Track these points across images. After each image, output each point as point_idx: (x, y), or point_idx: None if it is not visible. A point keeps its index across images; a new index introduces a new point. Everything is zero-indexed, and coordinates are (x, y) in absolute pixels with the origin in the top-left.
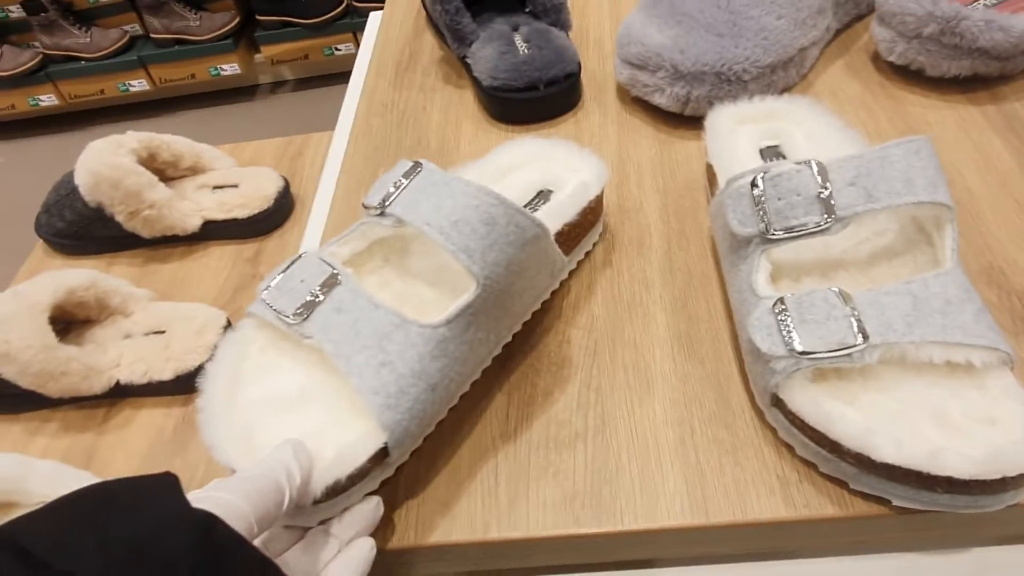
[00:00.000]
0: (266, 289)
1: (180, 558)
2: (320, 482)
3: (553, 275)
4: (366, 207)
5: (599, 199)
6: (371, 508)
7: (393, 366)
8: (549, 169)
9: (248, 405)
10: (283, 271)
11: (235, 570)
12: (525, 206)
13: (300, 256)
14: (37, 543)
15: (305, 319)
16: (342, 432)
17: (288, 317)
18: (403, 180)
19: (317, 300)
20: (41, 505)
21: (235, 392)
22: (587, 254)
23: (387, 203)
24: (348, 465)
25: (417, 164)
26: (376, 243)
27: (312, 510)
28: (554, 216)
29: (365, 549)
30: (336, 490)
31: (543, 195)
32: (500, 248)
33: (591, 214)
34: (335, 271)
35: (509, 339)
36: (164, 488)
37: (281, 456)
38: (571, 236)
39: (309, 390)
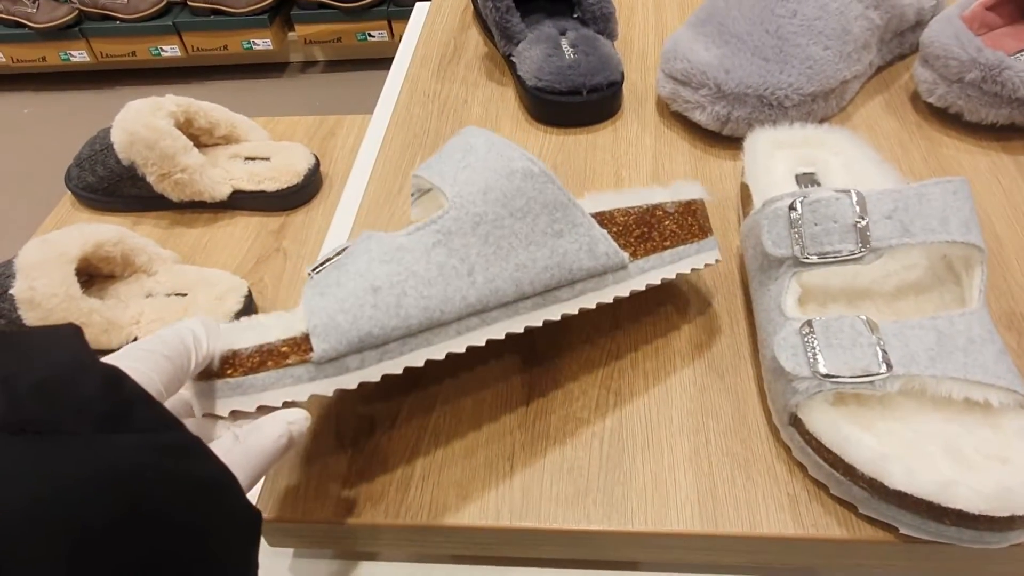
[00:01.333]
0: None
1: (87, 405)
2: (227, 343)
3: (596, 257)
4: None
5: (685, 212)
6: (274, 428)
7: (344, 267)
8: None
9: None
10: None
11: (142, 424)
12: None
13: None
14: None
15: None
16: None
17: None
18: None
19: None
20: None
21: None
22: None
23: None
24: (257, 336)
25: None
26: None
27: (222, 387)
28: (610, 197)
29: (269, 437)
30: (241, 360)
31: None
32: (475, 170)
33: (671, 221)
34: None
35: (526, 306)
36: (69, 337)
37: (188, 323)
38: (630, 232)
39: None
